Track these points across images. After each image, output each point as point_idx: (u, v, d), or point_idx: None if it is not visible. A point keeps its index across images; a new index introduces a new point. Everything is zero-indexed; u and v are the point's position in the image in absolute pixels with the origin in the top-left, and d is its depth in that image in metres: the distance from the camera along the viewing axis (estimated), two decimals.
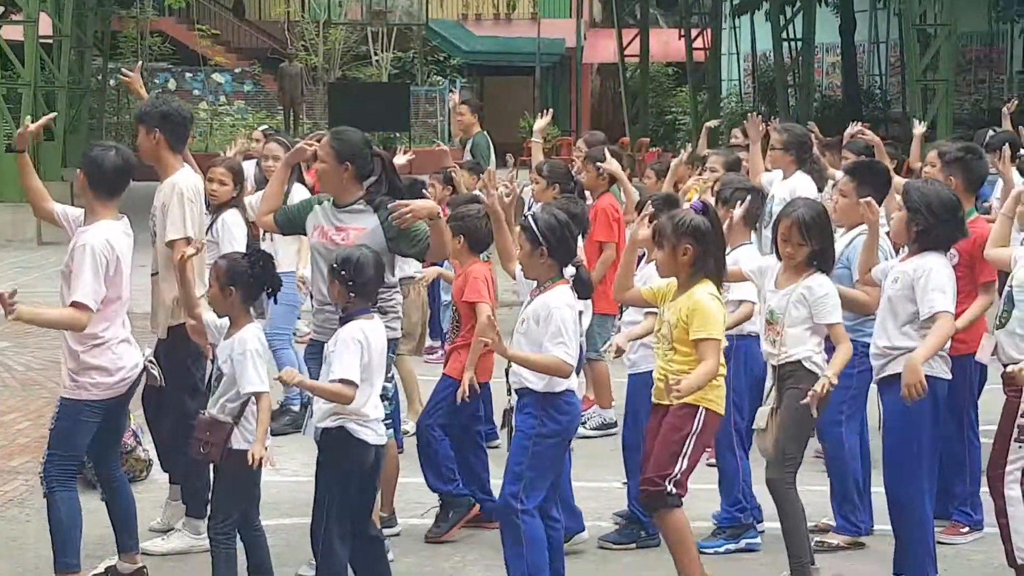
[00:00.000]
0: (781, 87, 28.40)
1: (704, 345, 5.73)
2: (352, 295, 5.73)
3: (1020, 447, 6.05)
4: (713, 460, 7.13)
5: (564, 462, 6.13)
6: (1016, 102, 10.91)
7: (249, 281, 5.82)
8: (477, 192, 9.08)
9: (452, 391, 6.98)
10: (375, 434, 5.73)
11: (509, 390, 5.96)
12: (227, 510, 5.83)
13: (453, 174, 10.14)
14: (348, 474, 5.71)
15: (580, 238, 6.87)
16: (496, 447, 7.75)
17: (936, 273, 6.03)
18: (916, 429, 6.07)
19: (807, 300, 6.12)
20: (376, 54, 34.26)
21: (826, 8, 30.19)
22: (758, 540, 6.86)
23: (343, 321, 5.78)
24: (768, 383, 6.31)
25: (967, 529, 6.99)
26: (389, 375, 6.33)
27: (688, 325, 5.77)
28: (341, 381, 5.59)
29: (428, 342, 10.53)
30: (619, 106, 34.82)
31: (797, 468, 6.17)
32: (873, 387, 6.47)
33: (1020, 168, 10.15)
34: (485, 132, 11.79)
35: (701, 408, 5.83)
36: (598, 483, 7.35)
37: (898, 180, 8.42)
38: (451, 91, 24.54)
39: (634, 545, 6.89)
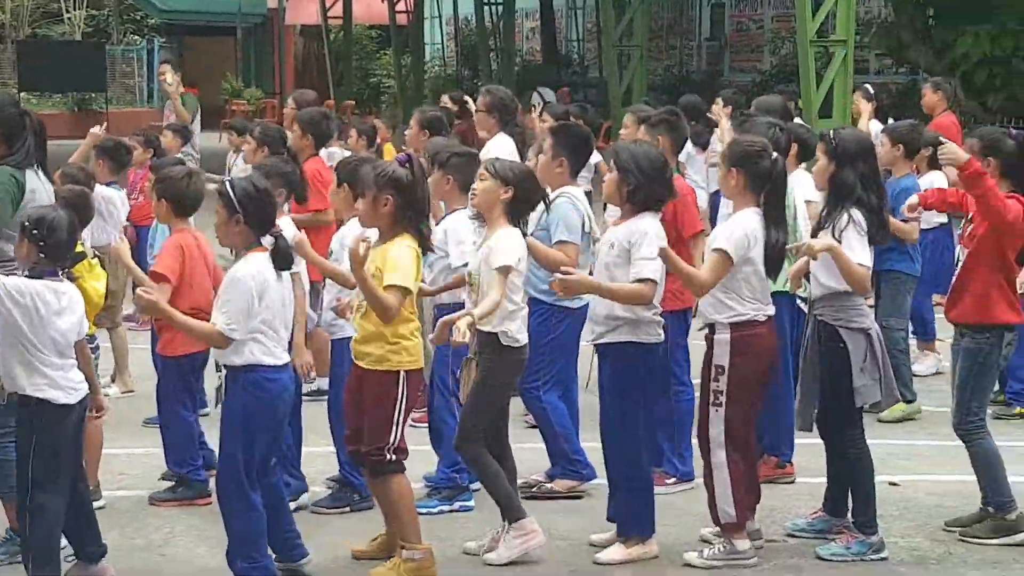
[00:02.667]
0: (483, 51, 28.75)
1: (391, 291, 5.70)
2: (42, 255, 5.53)
3: (717, 411, 6.11)
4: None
5: (280, 432, 6.05)
6: (730, 107, 11.10)
7: None
8: (181, 155, 8.84)
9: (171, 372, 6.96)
10: (64, 393, 5.54)
11: (217, 366, 5.84)
12: None
13: (158, 136, 9.87)
14: (42, 435, 5.52)
15: (292, 200, 6.79)
16: (206, 414, 7.61)
17: (649, 238, 6.00)
18: (631, 392, 6.16)
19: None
20: (68, 12, 32.99)
21: None
22: (471, 503, 6.93)
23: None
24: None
25: (673, 480, 7.15)
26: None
27: (382, 275, 5.74)
28: None
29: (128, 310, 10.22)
30: (323, 69, 34.56)
31: (478, 436, 6.16)
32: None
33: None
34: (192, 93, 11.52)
35: (401, 372, 5.83)
36: (311, 448, 7.30)
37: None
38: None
39: (348, 509, 6.89)
